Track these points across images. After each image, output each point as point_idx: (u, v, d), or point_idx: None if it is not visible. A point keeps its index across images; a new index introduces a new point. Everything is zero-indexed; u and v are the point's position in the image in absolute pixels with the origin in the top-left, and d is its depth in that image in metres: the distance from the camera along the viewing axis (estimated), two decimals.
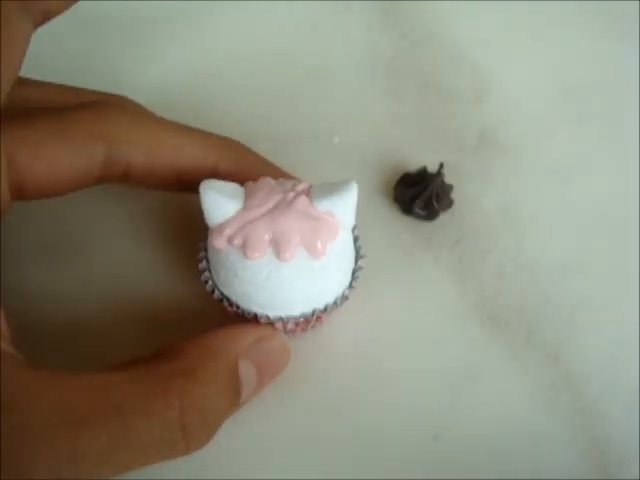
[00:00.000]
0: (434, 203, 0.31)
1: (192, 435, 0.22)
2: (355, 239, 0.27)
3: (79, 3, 0.24)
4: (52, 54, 0.35)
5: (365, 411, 0.27)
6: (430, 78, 0.35)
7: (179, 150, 0.27)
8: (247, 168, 0.28)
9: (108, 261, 0.30)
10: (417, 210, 0.31)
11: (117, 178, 0.27)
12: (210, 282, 0.26)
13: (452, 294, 0.30)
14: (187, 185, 0.27)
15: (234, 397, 0.24)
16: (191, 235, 0.27)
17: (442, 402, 0.27)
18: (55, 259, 0.30)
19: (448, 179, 0.31)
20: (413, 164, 0.32)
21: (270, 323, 0.26)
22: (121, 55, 0.36)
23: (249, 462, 0.26)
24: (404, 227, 0.31)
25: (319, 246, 0.24)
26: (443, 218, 0.31)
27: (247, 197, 0.25)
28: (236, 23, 0.37)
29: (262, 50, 0.36)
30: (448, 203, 0.31)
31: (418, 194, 0.31)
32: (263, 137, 0.33)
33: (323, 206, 0.25)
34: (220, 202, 0.25)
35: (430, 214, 0.31)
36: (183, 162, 0.27)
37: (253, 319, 0.26)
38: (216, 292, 0.26)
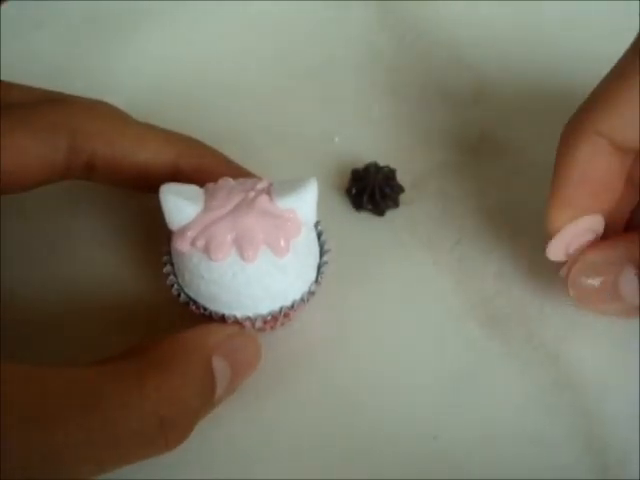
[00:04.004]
0: (377, 198, 0.31)
1: (170, 428, 0.22)
2: (319, 234, 0.27)
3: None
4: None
5: (365, 411, 0.27)
6: (429, 78, 0.35)
7: (140, 142, 0.28)
8: (207, 165, 0.28)
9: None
10: (365, 204, 0.31)
11: (82, 170, 0.27)
12: (175, 286, 0.26)
13: (452, 294, 0.30)
14: (150, 182, 0.27)
15: (209, 391, 0.24)
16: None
17: (442, 402, 0.27)
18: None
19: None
20: (413, 164, 0.32)
21: (238, 323, 0.26)
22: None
23: (246, 465, 0.26)
24: (403, 227, 0.31)
25: (282, 244, 0.24)
26: (443, 218, 0.31)
27: (207, 198, 0.25)
28: (235, 22, 0.37)
29: (261, 50, 0.36)
30: (394, 202, 0.31)
31: (364, 188, 0.31)
32: (263, 137, 0.33)
33: (284, 204, 0.25)
34: (180, 205, 0.25)
35: (377, 210, 0.31)
36: (145, 155, 0.27)
37: (221, 320, 0.26)
38: (182, 295, 0.26)
